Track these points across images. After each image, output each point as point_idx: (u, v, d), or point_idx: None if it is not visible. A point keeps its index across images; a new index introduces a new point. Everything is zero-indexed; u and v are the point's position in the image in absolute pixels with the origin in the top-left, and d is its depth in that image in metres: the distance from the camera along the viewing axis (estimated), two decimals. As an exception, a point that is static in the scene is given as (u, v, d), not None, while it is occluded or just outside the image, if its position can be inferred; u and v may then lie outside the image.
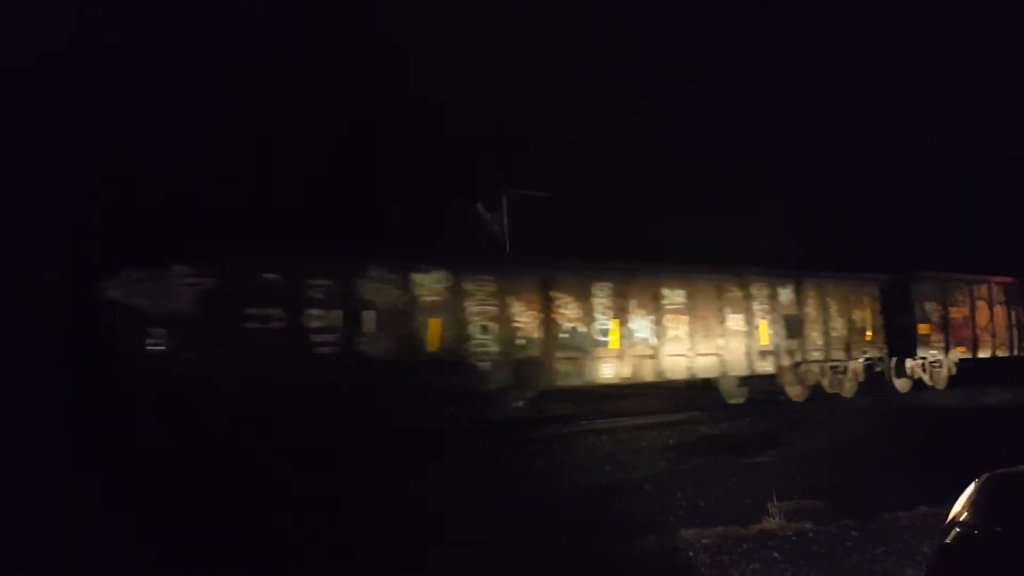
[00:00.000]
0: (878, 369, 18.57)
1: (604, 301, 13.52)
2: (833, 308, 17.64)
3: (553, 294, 12.86)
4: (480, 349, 12.09)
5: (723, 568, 4.86)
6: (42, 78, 13.61)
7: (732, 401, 16.19)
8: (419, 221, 18.89)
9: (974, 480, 2.70)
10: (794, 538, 5.41)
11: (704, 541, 5.38)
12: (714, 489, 7.49)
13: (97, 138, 14.46)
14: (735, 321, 15.53)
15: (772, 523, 5.69)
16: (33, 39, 12.90)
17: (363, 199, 19.29)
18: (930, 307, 19.47)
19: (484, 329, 12.15)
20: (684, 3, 35.61)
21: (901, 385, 19.06)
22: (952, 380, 19.53)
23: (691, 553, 5.16)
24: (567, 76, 24.56)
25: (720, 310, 15.37)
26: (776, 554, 5.07)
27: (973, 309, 20.79)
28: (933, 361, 19.58)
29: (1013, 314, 21.93)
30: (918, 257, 22.23)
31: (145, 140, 15.81)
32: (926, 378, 19.36)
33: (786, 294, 16.64)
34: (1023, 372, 20.18)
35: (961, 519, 2.56)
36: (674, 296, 14.60)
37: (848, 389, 17.86)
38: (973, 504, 2.58)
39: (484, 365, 12.12)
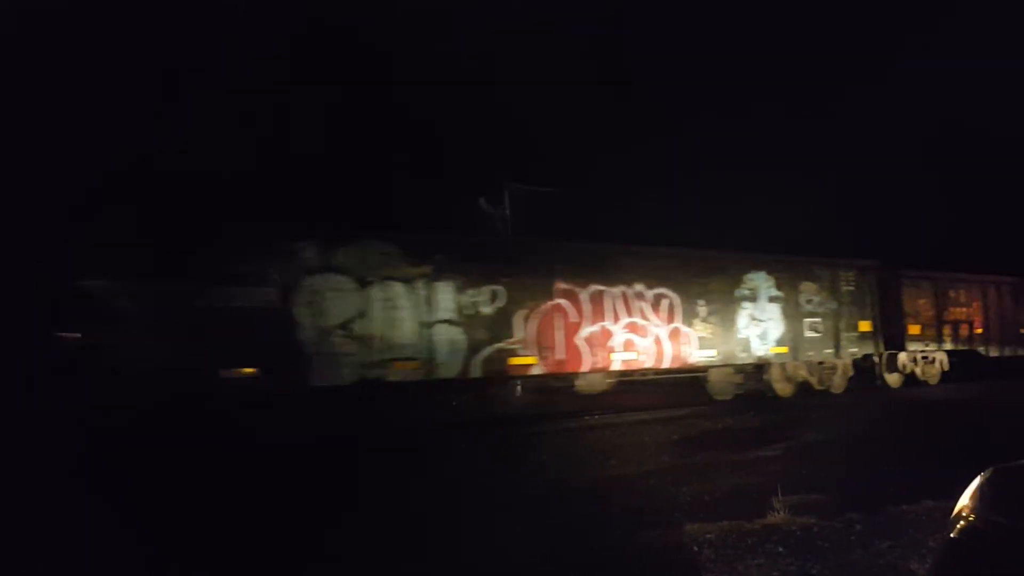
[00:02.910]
0: None
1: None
2: None
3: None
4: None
5: (728, 562, 4.86)
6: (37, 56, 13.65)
7: None
8: (426, 215, 18.91)
9: (979, 473, 2.70)
10: (799, 532, 5.42)
11: (709, 535, 5.39)
12: (718, 483, 7.49)
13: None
14: None
15: (777, 517, 5.70)
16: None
17: (369, 196, 19.32)
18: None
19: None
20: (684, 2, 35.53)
21: None
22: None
23: (696, 547, 5.17)
24: (572, 71, 24.51)
25: None
26: (781, 548, 5.08)
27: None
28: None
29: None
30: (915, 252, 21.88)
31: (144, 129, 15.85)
32: None
33: None
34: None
35: (966, 513, 2.56)
36: None
37: None
38: (978, 498, 2.58)
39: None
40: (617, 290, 14.03)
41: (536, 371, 12.89)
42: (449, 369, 11.84)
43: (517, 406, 14.59)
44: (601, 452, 9.75)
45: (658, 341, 14.44)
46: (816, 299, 16.83)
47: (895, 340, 18.38)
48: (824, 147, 29.61)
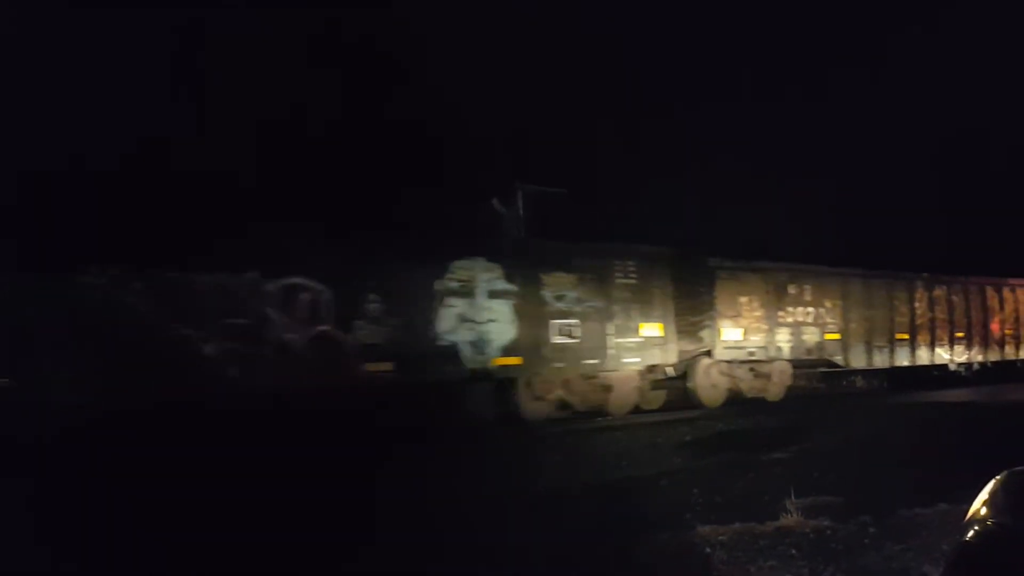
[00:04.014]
0: None
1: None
2: None
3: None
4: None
5: (740, 565, 4.85)
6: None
7: None
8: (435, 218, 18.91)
9: (994, 477, 2.69)
10: (812, 535, 5.40)
11: (721, 537, 5.38)
12: (731, 486, 7.47)
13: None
14: None
15: (789, 520, 5.68)
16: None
17: (376, 197, 19.37)
18: None
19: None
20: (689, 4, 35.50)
21: None
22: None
23: (708, 549, 5.16)
24: (581, 72, 24.53)
25: None
26: (794, 551, 5.06)
27: None
28: None
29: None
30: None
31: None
32: None
33: None
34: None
35: (980, 516, 2.55)
36: None
37: None
38: (993, 501, 2.57)
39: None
40: (208, 280, 9.88)
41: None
42: None
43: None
44: (612, 454, 9.74)
45: (287, 350, 10.25)
46: (572, 295, 12.94)
47: (703, 347, 14.88)
48: (830, 147, 29.46)
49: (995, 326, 20.40)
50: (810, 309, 16.25)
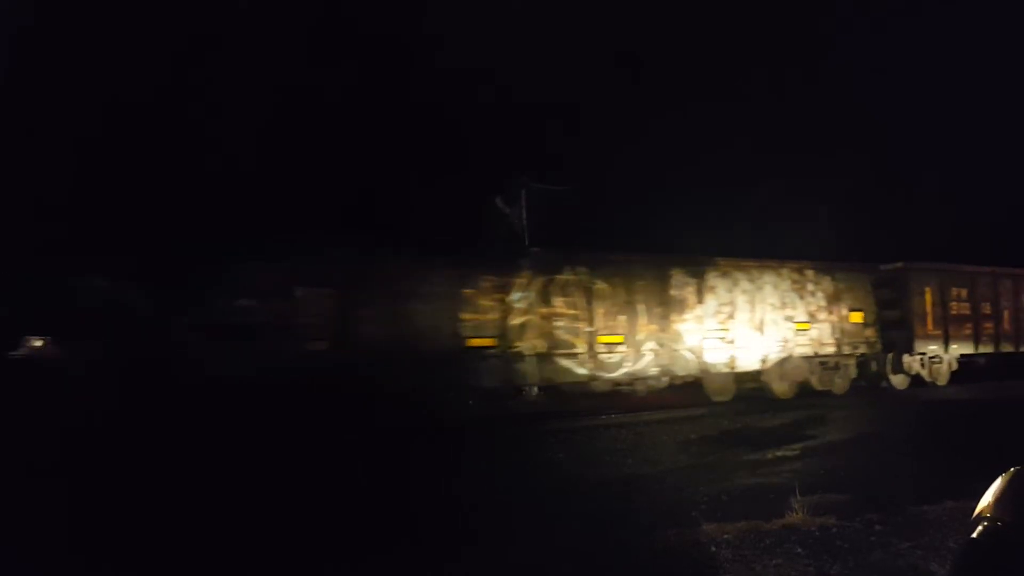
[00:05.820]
0: None
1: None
2: None
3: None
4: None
5: (746, 562, 4.84)
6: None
7: None
8: (440, 215, 18.93)
9: (1001, 474, 2.67)
10: (817, 533, 5.38)
11: (726, 535, 5.36)
12: (736, 483, 7.46)
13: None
14: None
15: (795, 517, 5.66)
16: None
17: (384, 195, 19.39)
18: None
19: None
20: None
21: None
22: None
23: (713, 547, 5.15)
24: (587, 68, 24.54)
25: None
26: (799, 549, 5.05)
27: None
28: None
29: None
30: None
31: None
32: None
33: None
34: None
35: (988, 513, 2.53)
36: None
37: None
38: (1001, 498, 2.55)
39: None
40: None
41: None
42: None
43: (533, 404, 14.50)
44: (618, 451, 9.73)
45: None
46: None
47: None
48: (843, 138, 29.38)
49: (686, 325, 14.50)
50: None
